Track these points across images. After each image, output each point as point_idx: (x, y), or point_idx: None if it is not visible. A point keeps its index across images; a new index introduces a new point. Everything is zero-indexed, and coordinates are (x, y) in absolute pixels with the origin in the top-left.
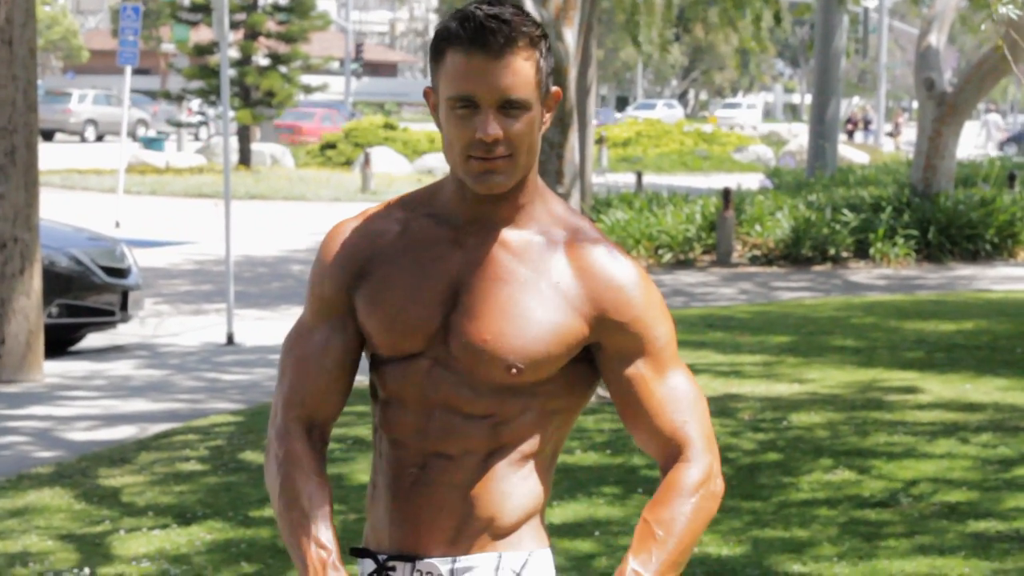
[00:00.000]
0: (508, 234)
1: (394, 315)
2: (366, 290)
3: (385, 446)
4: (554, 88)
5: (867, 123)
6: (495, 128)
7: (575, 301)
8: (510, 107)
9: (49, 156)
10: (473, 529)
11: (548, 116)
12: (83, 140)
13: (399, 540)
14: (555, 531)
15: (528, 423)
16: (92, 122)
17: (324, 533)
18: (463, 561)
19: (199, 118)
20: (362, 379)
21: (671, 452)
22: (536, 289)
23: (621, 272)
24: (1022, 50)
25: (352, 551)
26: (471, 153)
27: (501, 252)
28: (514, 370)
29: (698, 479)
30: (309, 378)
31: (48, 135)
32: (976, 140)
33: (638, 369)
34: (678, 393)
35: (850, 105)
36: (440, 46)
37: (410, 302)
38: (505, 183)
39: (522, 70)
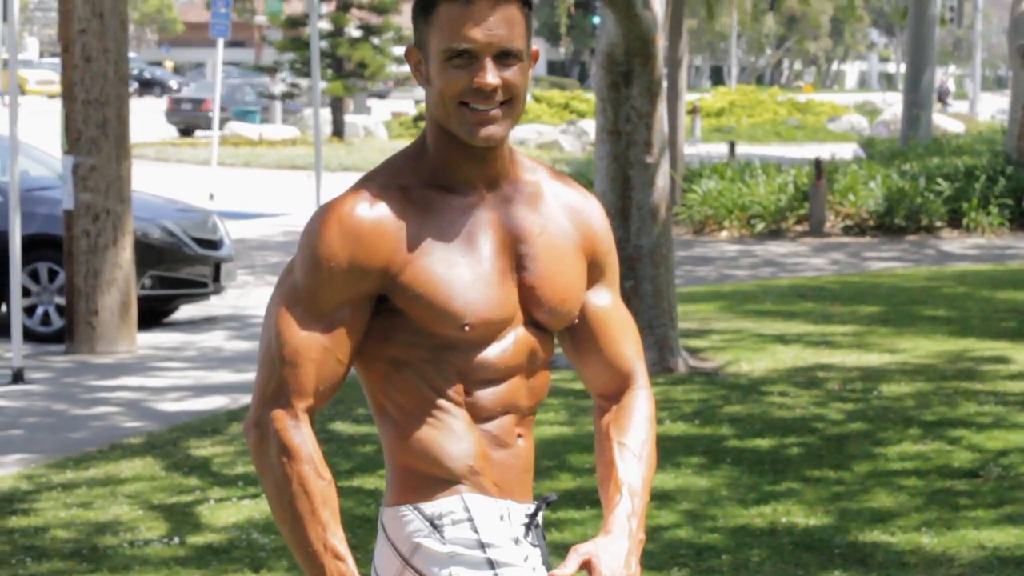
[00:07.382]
0: (510, 188)
1: (469, 296)
2: (413, 281)
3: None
4: (534, 47)
5: (942, 95)
6: (494, 76)
7: (578, 241)
8: (507, 57)
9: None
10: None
11: (528, 72)
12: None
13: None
14: None
15: None
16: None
17: (339, 543)
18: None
19: (288, 89)
20: None
21: (624, 381)
22: (559, 236)
23: (594, 207)
24: None
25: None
26: (467, 99)
27: (521, 208)
28: (576, 321)
29: (653, 406)
30: (326, 367)
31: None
32: None
33: (602, 300)
34: (629, 323)
35: (945, 74)
36: (432, 1)
37: (480, 280)
38: (501, 135)
39: (518, 21)
